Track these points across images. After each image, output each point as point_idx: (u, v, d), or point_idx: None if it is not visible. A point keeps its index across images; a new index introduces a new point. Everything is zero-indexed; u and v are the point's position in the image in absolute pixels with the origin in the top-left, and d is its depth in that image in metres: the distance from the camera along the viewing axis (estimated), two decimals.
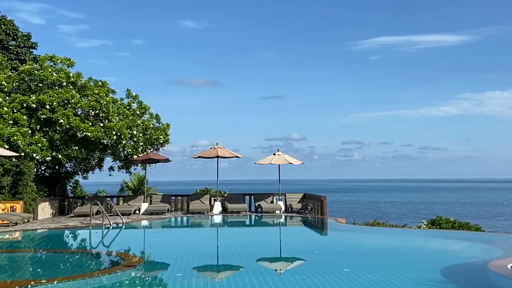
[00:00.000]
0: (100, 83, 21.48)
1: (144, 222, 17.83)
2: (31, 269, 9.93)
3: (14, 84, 19.96)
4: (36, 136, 18.49)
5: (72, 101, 19.18)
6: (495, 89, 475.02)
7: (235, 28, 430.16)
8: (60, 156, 18.68)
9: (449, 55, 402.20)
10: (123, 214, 18.13)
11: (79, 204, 21.10)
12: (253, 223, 19.07)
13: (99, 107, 19.22)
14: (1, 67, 21.43)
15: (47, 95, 19.21)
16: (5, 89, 19.41)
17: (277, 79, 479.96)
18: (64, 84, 20.13)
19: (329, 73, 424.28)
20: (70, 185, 25.21)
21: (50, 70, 20.22)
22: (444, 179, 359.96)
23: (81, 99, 19.67)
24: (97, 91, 20.08)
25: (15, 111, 18.70)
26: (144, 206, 21.01)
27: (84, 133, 18.61)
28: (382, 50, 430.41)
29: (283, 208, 21.24)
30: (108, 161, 23.04)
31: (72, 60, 21.63)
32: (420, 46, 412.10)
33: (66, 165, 22.32)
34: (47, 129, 19.63)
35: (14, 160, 17.91)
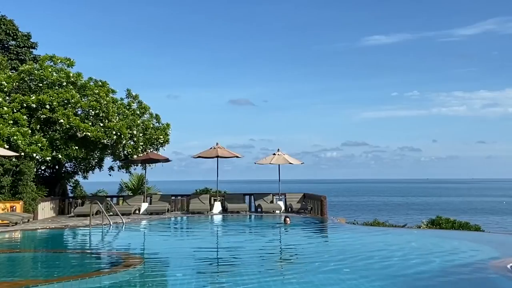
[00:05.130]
0: (100, 83, 21.49)
1: (144, 222, 17.82)
2: (31, 269, 9.93)
3: (14, 84, 19.96)
4: (36, 136, 18.49)
5: (72, 101, 19.18)
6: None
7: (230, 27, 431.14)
8: (60, 156, 18.69)
9: (452, 53, 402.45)
10: (123, 214, 18.13)
11: (79, 204, 21.09)
12: (253, 223, 19.06)
13: (99, 107, 19.23)
14: (1, 67, 21.43)
15: (47, 95, 19.21)
16: (5, 89, 19.41)
17: (277, 79, 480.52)
18: (64, 84, 20.14)
19: (329, 73, 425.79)
20: (70, 185, 25.21)
21: (50, 70, 20.22)
22: (458, 180, 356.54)
23: (81, 99, 19.67)
24: (97, 91, 20.08)
25: (15, 111, 18.70)
26: (144, 206, 21.02)
27: (84, 133, 18.61)
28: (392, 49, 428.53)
29: (283, 208, 21.24)
30: (108, 161, 23.10)
31: (72, 60, 21.64)
32: (420, 45, 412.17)
33: (66, 165, 22.35)
34: (47, 129, 19.63)
35: (14, 160, 17.91)
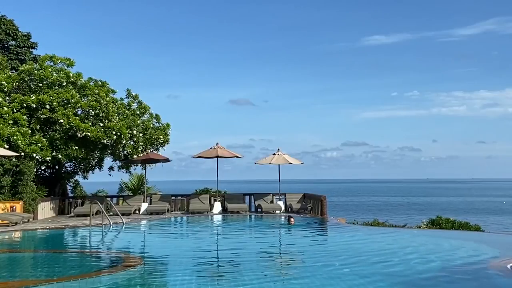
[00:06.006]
0: (100, 83, 21.49)
1: (144, 222, 17.82)
2: (31, 269, 9.93)
3: (14, 84, 19.96)
4: (36, 136, 18.49)
5: (72, 101, 19.18)
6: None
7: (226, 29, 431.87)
8: (60, 156, 18.69)
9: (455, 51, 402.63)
10: (123, 214, 18.13)
11: (79, 204, 21.09)
12: (253, 223, 19.06)
13: (99, 107, 19.23)
14: (1, 67, 21.43)
15: (47, 95, 19.21)
16: (5, 89, 19.41)
17: (278, 78, 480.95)
18: (64, 84, 20.14)
19: (329, 73, 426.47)
20: (70, 185, 25.21)
21: (50, 70, 20.22)
22: (459, 180, 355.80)
23: (81, 99, 19.67)
24: (97, 91, 20.08)
25: (15, 111, 18.70)
26: (144, 206, 21.02)
27: (84, 133, 18.61)
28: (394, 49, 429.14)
29: (283, 208, 21.24)
30: (108, 161, 23.09)
31: (72, 60, 21.64)
32: (420, 45, 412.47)
33: (66, 165, 22.34)
34: (47, 129, 19.63)
35: (14, 160, 17.91)
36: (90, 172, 23.33)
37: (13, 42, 26.46)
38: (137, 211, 20.69)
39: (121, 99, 22.34)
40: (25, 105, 18.93)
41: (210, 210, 21.09)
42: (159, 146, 22.88)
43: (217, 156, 21.11)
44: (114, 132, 19.13)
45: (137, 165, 23.61)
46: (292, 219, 16.45)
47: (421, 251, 11.81)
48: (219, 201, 21.58)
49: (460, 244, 12.76)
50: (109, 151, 20.84)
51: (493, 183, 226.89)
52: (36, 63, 21.72)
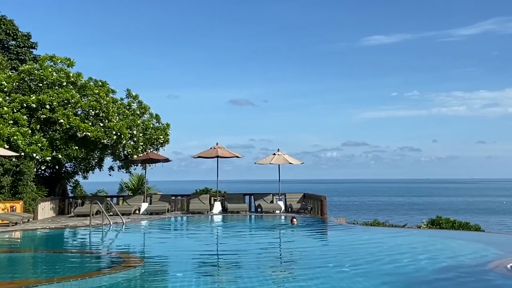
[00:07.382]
0: (100, 83, 21.49)
1: (144, 222, 17.82)
2: (31, 269, 9.93)
3: (14, 84, 19.96)
4: (36, 136, 18.49)
5: (72, 101, 19.18)
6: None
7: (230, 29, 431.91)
8: (60, 156, 18.69)
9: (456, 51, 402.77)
10: (123, 214, 18.13)
11: (79, 204, 21.09)
12: (253, 223, 19.06)
13: (99, 107, 19.23)
14: (1, 67, 21.43)
15: (47, 95, 19.21)
16: (5, 89, 19.41)
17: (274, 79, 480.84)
18: (64, 84, 20.13)
19: (329, 73, 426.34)
20: (70, 185, 25.21)
21: (50, 70, 20.22)
22: (461, 180, 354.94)
23: (81, 99, 19.67)
24: (97, 91, 20.08)
25: (15, 111, 18.70)
26: (144, 206, 21.01)
27: (84, 133, 18.61)
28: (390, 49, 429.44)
29: (283, 208, 21.23)
30: (108, 161, 23.09)
31: (72, 60, 21.63)
32: (420, 45, 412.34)
33: (66, 165, 22.33)
34: (47, 129, 19.63)
35: (14, 160, 17.91)
36: (90, 172, 23.35)
37: (13, 42, 26.46)
38: (137, 211, 20.69)
39: (121, 99, 22.35)
40: (25, 105, 18.93)
41: (210, 210, 21.09)
42: (159, 146, 22.88)
43: (217, 156, 21.11)
44: (114, 132, 19.13)
45: (137, 165, 23.61)
46: (294, 220, 16.45)
47: (420, 251, 11.81)
48: (219, 201, 21.58)
49: (460, 244, 12.75)
50: (109, 151, 20.83)
51: (493, 183, 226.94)
52: (36, 63, 21.71)
